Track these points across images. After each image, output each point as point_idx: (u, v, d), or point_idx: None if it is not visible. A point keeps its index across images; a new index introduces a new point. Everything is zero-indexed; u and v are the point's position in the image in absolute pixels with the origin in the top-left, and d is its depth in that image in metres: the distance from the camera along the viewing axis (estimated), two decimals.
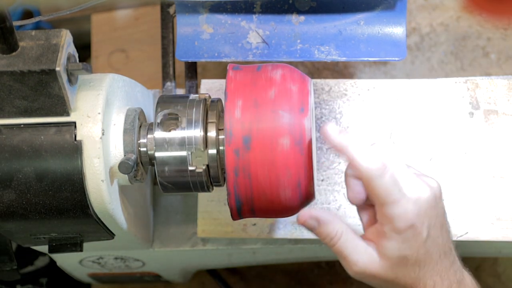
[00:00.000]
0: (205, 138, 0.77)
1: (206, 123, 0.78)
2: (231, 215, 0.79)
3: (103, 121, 0.75)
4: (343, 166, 0.94)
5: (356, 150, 0.72)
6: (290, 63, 0.83)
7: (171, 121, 0.78)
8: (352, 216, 0.93)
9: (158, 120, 0.78)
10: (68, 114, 0.74)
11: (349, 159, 0.72)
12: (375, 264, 0.74)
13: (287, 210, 0.78)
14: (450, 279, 0.75)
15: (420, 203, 0.72)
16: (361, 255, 0.74)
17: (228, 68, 0.77)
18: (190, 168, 0.77)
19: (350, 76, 1.25)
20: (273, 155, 0.73)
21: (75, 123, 0.74)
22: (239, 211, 0.78)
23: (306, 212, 0.75)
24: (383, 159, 0.72)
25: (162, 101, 0.79)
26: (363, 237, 0.76)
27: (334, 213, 0.76)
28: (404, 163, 0.75)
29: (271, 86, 0.74)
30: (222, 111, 0.80)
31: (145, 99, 0.94)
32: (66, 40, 0.72)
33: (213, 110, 0.79)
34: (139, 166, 0.80)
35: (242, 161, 0.74)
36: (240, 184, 0.75)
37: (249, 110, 0.74)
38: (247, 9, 0.94)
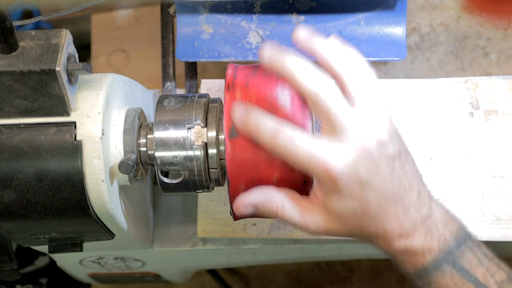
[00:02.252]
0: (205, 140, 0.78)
1: (206, 122, 0.78)
2: (232, 215, 0.79)
3: (103, 121, 0.75)
4: None
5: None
6: None
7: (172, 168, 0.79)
8: None
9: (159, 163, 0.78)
10: (68, 114, 0.74)
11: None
12: (324, 222, 0.73)
13: None
14: (412, 218, 0.72)
15: (346, 156, 0.69)
16: (309, 218, 0.73)
17: (225, 136, 0.74)
18: (189, 162, 0.78)
19: None
20: None
21: (75, 123, 0.74)
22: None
23: (239, 204, 0.74)
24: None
25: (161, 105, 0.79)
26: (310, 198, 0.74)
27: (266, 186, 0.74)
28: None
29: (272, 172, 0.74)
30: (222, 111, 0.80)
31: (145, 99, 0.94)
32: (66, 40, 0.72)
33: (213, 109, 0.79)
34: (139, 166, 0.80)
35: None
36: (241, 184, 0.76)
37: None
38: (247, 9, 0.94)
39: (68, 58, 0.72)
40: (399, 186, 0.72)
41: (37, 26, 1.32)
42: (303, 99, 0.74)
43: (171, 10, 0.99)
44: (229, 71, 0.78)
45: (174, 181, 0.79)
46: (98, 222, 0.79)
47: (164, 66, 1.01)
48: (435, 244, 0.72)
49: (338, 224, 0.73)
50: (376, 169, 0.70)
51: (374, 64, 1.26)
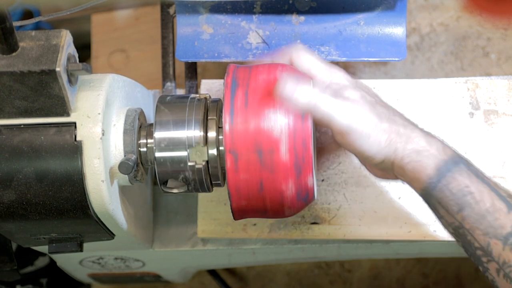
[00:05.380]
0: (205, 137, 0.78)
1: (206, 122, 0.78)
2: (233, 215, 0.79)
3: (103, 121, 0.75)
4: (343, 166, 0.94)
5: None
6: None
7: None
8: (352, 216, 0.93)
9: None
10: (68, 115, 0.74)
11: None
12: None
13: (288, 210, 0.78)
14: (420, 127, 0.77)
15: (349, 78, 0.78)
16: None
17: (223, 115, 0.75)
18: (190, 163, 0.77)
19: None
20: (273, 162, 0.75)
21: (75, 123, 0.74)
22: (240, 211, 0.78)
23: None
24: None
25: (162, 105, 0.79)
26: None
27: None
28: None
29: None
30: (222, 111, 0.80)
31: (145, 99, 0.94)
32: (66, 41, 0.72)
33: (213, 109, 0.79)
34: (139, 166, 0.80)
35: None
36: (241, 185, 0.75)
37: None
38: (247, 9, 0.94)
39: (68, 59, 0.72)
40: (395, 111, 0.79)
41: (37, 27, 1.32)
42: (307, 128, 0.75)
43: (171, 10, 0.99)
44: (229, 71, 0.78)
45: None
46: (98, 222, 0.79)
47: (164, 66, 1.01)
48: (449, 148, 0.76)
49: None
50: (375, 96, 0.79)
51: (374, 64, 1.27)
